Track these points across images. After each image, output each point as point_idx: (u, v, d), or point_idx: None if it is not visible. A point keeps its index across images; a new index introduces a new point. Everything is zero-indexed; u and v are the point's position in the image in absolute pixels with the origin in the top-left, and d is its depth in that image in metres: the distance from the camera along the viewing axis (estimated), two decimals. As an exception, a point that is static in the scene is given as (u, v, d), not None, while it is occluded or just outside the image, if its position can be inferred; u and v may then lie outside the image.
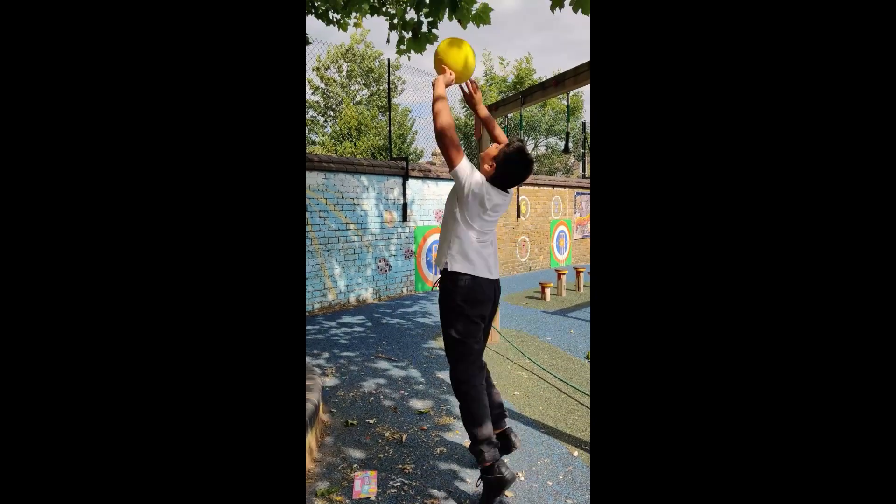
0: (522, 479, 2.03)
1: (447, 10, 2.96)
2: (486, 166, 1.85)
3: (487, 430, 1.81)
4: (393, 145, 15.43)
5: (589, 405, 2.78)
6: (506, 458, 2.14)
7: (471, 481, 2.01)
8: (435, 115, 1.79)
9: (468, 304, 1.81)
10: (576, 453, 2.24)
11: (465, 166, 1.79)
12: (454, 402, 2.83)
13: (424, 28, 3.14)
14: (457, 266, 1.82)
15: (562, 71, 3.15)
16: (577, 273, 6.73)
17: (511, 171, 1.83)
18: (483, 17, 3.06)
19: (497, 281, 1.90)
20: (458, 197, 1.83)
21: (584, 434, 2.43)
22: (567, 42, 44.52)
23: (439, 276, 1.88)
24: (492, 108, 3.93)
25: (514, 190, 1.84)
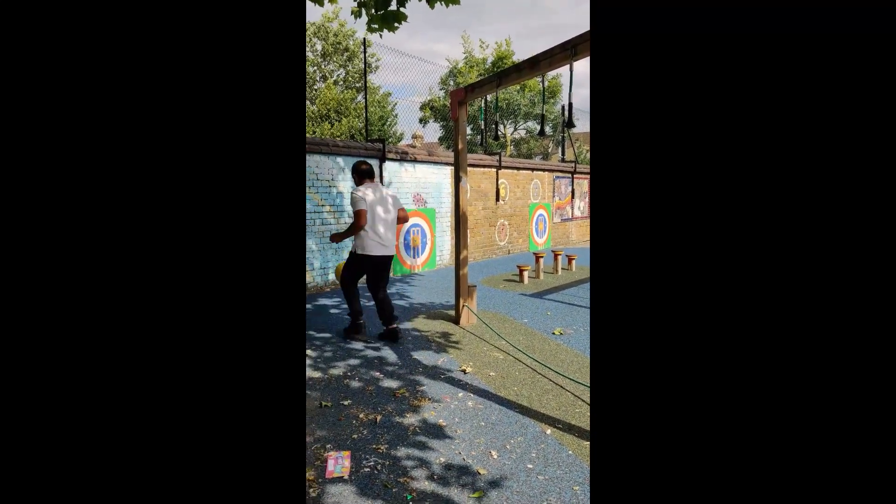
0: (496, 457, 2.06)
1: None
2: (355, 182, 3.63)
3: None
4: (373, 127, 15.20)
5: (562, 385, 2.82)
6: (482, 439, 2.18)
7: (444, 460, 2.02)
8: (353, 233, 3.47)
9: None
10: (549, 431, 2.27)
11: (359, 204, 3.41)
12: (427, 384, 2.84)
13: (393, 6, 3.07)
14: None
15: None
16: (556, 256, 6.78)
17: (356, 171, 3.58)
18: (452, -2, 3.00)
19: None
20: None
21: (557, 413, 2.47)
22: (548, 26, 44.20)
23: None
24: (468, 89, 3.89)
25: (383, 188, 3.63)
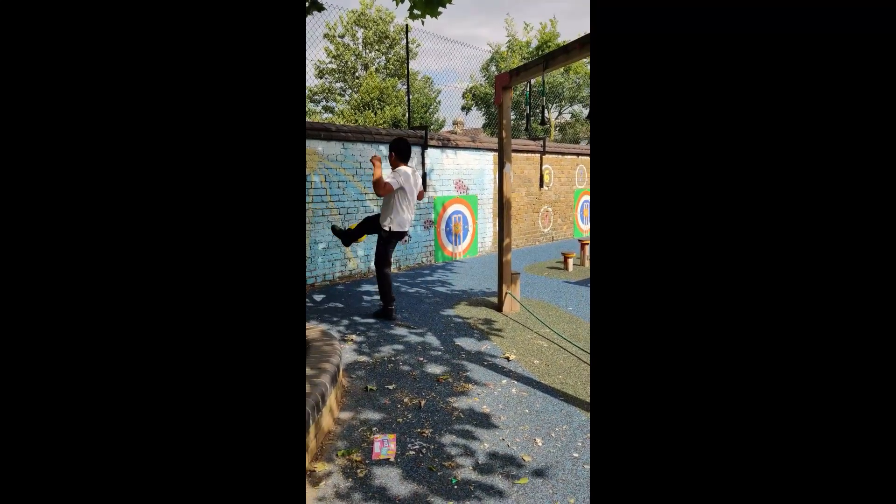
0: (540, 444, 2.04)
1: None
2: (391, 164, 3.86)
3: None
4: (415, 114, 15.21)
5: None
6: (526, 427, 2.17)
7: (488, 446, 2.02)
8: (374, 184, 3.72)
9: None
10: (594, 421, 2.24)
11: (392, 182, 3.66)
12: (471, 370, 2.84)
13: None
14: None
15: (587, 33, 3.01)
16: (600, 243, 6.62)
17: (396, 148, 3.81)
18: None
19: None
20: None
21: (603, 402, 2.42)
22: (593, 5, 42.35)
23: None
24: (513, 73, 3.82)
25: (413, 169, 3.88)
